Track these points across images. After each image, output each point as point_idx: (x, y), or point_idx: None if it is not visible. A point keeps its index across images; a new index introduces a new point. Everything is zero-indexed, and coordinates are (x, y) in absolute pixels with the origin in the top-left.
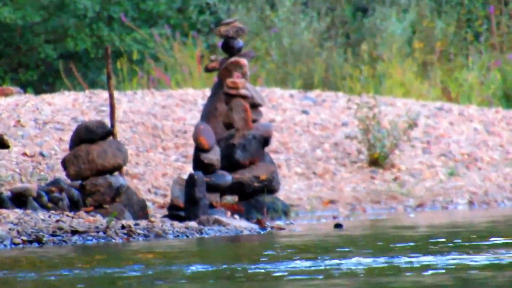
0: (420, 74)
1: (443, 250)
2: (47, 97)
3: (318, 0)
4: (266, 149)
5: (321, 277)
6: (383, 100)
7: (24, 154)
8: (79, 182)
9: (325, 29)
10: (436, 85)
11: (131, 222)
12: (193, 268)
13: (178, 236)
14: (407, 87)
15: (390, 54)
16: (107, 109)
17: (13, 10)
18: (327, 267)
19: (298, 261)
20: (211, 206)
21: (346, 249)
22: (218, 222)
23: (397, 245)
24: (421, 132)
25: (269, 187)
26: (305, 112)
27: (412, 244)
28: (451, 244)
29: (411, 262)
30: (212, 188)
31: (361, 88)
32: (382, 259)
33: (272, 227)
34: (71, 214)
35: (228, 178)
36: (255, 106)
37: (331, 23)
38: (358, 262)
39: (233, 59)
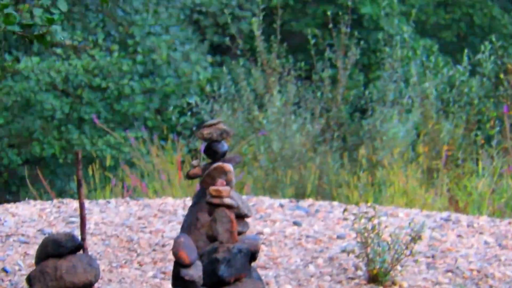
0: (424, 182)
1: None
2: (10, 206)
3: (312, 100)
4: (253, 265)
5: None
6: (383, 210)
7: None
8: None
9: (319, 131)
10: (442, 194)
11: None
12: None
13: None
14: (411, 196)
15: (391, 159)
16: (77, 220)
17: None
18: None
19: None
20: None
21: None
22: None
23: None
24: (425, 245)
25: None
26: (296, 223)
27: None
28: None
29: None
30: None
31: (359, 197)
32: None
33: None
34: None
35: None
36: (241, 216)
37: (326, 125)
38: None
39: (217, 164)
